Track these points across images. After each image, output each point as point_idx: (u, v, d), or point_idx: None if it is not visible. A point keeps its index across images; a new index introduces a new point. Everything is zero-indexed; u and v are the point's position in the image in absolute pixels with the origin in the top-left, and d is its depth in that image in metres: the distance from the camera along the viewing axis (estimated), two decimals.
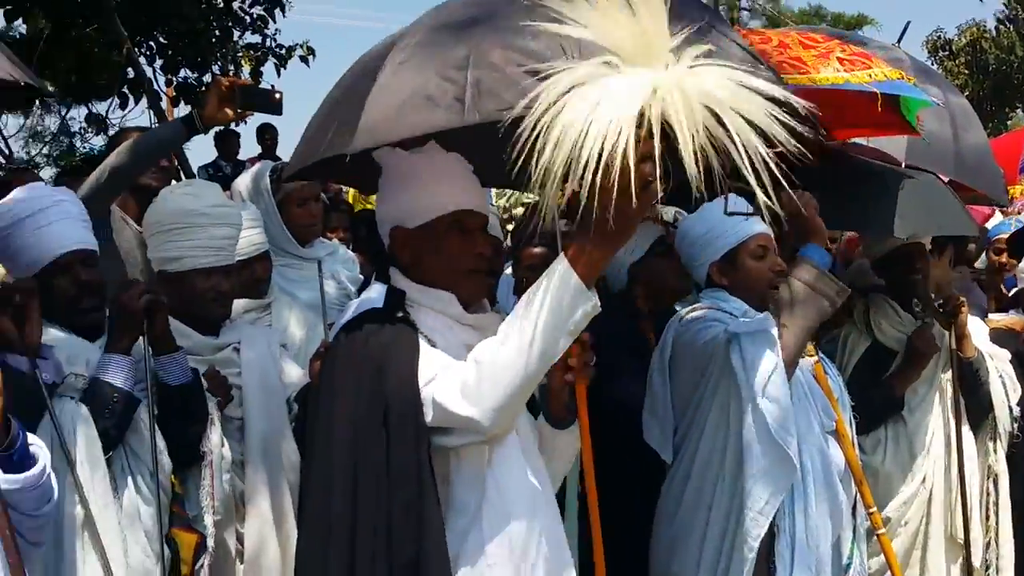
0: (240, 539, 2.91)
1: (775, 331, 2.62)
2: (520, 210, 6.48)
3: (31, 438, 1.86)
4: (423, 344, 2.02)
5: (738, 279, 2.89)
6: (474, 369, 1.91)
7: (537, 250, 3.87)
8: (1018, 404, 3.61)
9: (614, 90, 1.74)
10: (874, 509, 2.99)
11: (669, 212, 3.84)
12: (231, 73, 9.13)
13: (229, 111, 3.24)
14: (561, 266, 1.83)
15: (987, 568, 3.48)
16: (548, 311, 1.82)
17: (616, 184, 1.73)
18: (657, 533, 2.89)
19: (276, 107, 3.44)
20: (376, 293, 2.15)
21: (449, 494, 2.01)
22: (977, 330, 3.66)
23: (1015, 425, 3.60)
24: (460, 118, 1.95)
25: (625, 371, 3.05)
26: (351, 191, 9.30)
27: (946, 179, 3.80)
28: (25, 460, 1.79)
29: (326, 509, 1.99)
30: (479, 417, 1.90)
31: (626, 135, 1.69)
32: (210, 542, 2.71)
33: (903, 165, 3.90)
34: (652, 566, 2.89)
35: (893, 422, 3.49)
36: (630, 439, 2.92)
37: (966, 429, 3.52)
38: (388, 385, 1.97)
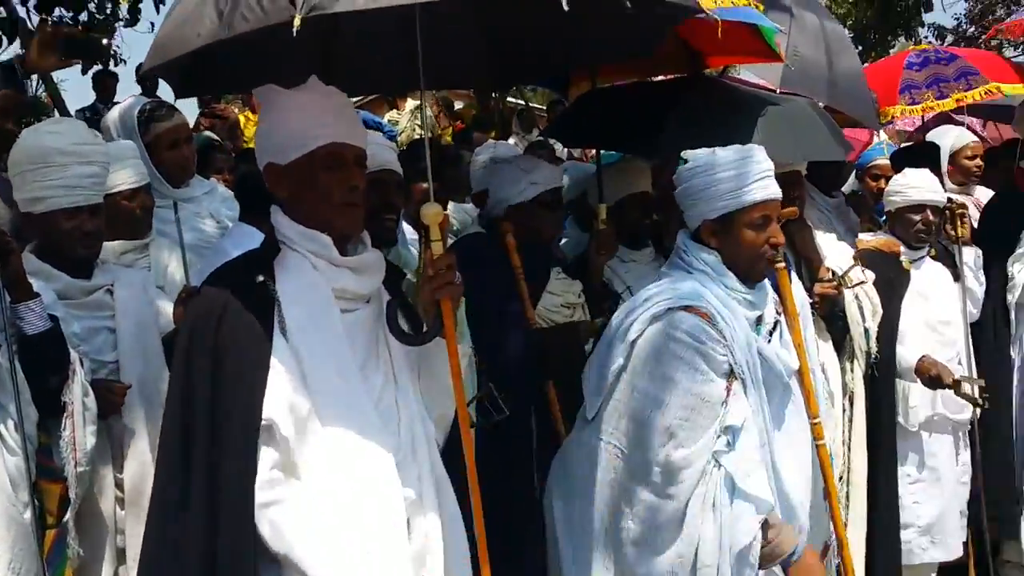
0: (120, 485, 2.86)
1: None
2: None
3: None
4: (277, 340, 2.02)
5: (730, 246, 2.61)
6: None
7: (423, 186, 3.87)
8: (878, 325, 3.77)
9: None
10: (818, 420, 2.90)
11: None
12: (108, 11, 8.73)
13: (52, 58, 3.10)
14: None
15: (840, 477, 3.65)
16: None
17: None
18: None
19: (102, 53, 3.33)
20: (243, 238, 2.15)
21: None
22: (839, 252, 3.77)
23: (872, 346, 3.75)
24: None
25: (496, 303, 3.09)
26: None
27: (821, 104, 3.90)
28: None
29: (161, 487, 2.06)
30: None
31: None
32: (72, 494, 2.65)
33: (778, 91, 4.00)
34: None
35: None
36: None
37: (827, 348, 3.65)
38: (229, 396, 1.98)
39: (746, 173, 2.56)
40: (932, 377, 3.87)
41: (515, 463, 3.18)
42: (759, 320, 2.69)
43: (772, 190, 2.60)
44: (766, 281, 2.71)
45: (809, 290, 3.52)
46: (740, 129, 3.31)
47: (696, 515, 2.48)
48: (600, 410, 2.67)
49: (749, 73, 4.59)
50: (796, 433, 2.74)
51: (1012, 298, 4.45)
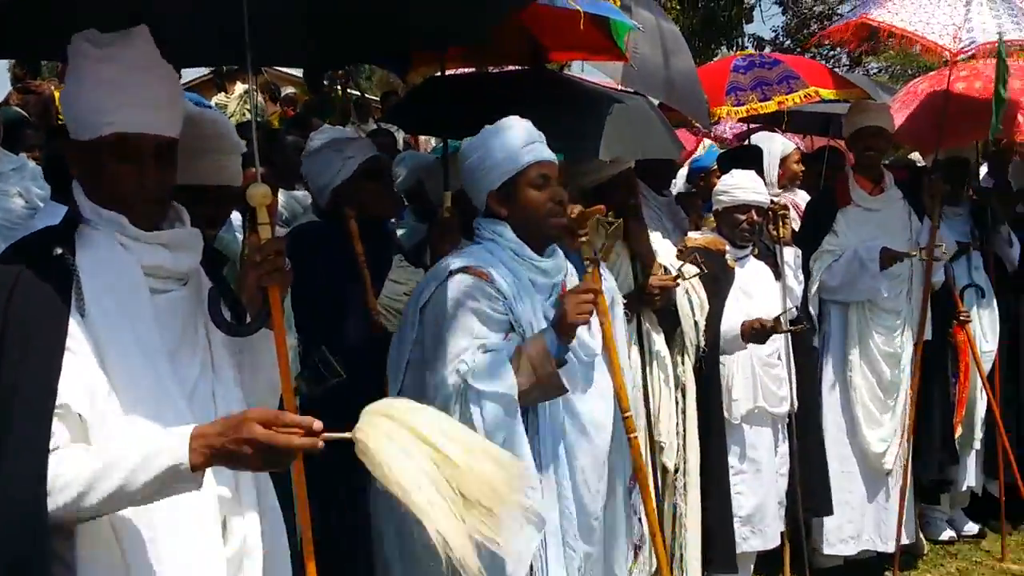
0: None
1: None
2: None
3: None
4: (74, 318, 1.79)
5: (516, 210, 2.72)
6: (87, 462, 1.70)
7: (251, 170, 3.71)
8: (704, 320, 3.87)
9: None
10: (629, 413, 2.97)
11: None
12: None
13: None
14: (179, 450, 1.68)
15: (677, 469, 3.73)
16: (151, 482, 1.68)
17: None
18: None
19: None
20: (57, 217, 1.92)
21: None
22: (664, 250, 3.85)
23: (701, 339, 3.84)
24: None
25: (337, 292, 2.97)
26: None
27: (656, 102, 3.96)
28: None
29: None
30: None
31: None
32: None
33: (618, 88, 4.04)
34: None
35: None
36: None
37: (660, 341, 3.72)
38: (16, 376, 1.72)
39: (516, 139, 2.71)
40: (756, 330, 4.00)
41: (351, 460, 3.06)
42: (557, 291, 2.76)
43: (545, 152, 2.74)
44: (560, 253, 2.80)
45: (644, 285, 3.56)
46: (585, 124, 3.32)
47: None
48: (401, 386, 2.70)
49: (593, 69, 4.63)
50: (596, 420, 2.77)
51: (811, 292, 4.71)
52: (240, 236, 3.27)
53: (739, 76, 5.32)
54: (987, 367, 5.34)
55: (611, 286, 3.06)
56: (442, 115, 3.82)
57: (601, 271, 2.94)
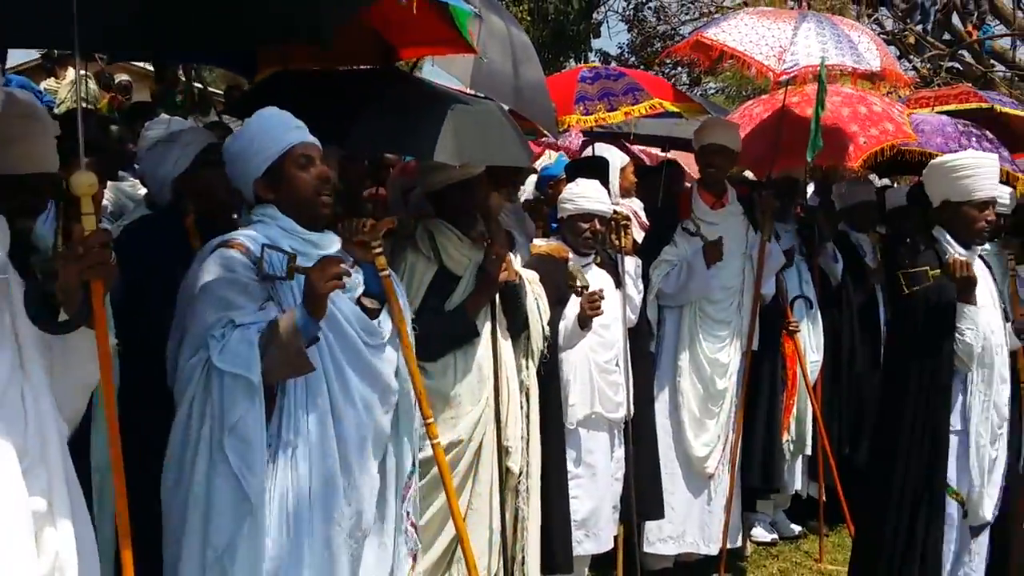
0: None
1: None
2: None
3: None
4: None
5: (284, 192, 2.75)
6: None
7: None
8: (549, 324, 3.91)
9: None
10: (431, 420, 3.04)
11: None
12: None
13: None
14: None
15: (521, 472, 3.74)
16: None
17: None
18: None
19: None
20: None
21: None
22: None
23: (546, 344, 3.88)
24: None
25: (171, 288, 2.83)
26: None
27: (505, 108, 3.96)
28: None
29: None
30: None
31: None
32: None
33: (468, 93, 4.02)
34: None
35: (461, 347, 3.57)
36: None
37: (508, 346, 3.72)
38: None
39: (276, 125, 2.77)
40: (585, 313, 4.07)
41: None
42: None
43: (307, 135, 2.79)
44: (332, 234, 2.84)
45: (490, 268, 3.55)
46: (434, 126, 3.28)
47: (196, 417, 2.52)
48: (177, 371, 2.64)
49: (443, 72, 4.59)
50: (365, 399, 2.76)
51: (650, 298, 4.86)
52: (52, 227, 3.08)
53: (586, 86, 5.41)
54: (813, 377, 5.62)
55: (405, 301, 3.07)
56: (287, 110, 3.71)
57: (395, 284, 2.96)
